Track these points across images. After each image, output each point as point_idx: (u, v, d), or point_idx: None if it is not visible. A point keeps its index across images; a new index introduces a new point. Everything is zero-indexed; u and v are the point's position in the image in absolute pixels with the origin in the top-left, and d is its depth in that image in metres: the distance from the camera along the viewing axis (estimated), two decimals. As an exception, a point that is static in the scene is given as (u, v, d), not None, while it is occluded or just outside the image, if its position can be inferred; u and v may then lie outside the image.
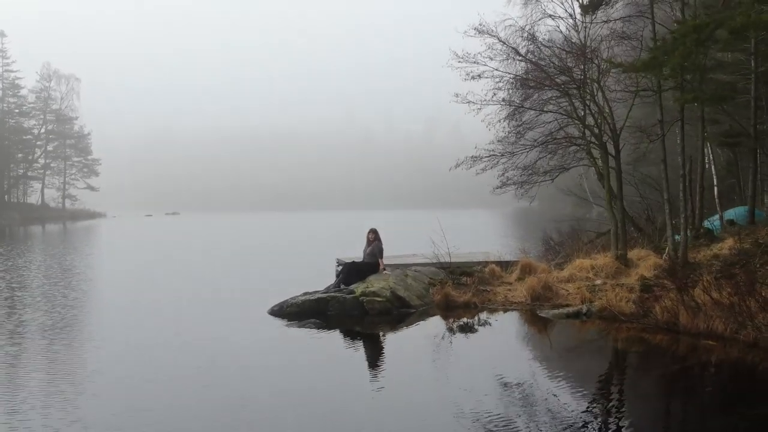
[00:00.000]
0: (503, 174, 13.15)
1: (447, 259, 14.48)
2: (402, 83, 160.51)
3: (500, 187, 13.69)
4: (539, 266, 14.12)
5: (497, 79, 12.97)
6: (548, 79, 12.70)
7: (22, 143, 65.43)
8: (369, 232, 12.53)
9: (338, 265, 16.61)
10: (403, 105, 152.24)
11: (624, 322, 10.37)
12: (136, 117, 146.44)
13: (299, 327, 10.39)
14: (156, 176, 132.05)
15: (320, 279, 16.30)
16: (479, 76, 12.81)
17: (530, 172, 13.26)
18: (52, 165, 68.61)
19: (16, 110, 65.48)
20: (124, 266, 20.14)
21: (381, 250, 12.44)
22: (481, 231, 36.63)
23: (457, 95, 12.46)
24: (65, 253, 24.42)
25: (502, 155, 13.05)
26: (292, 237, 35.89)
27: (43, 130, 67.75)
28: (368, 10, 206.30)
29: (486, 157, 13.11)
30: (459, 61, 12.87)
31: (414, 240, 26.86)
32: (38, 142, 67.34)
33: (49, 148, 68.44)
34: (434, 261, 15.14)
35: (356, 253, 18.05)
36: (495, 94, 12.63)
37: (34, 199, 66.73)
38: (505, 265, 14.99)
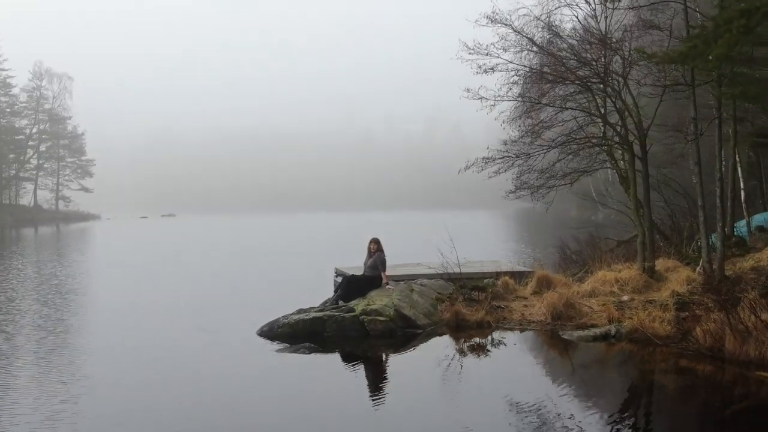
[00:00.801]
0: (518, 177, 11.91)
1: (454, 270, 13.26)
2: (402, 83, 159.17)
3: (514, 192, 12.45)
4: (556, 278, 12.89)
5: (512, 73, 11.74)
6: (568, 72, 11.45)
7: (14, 143, 64.03)
8: (371, 242, 11.29)
9: (337, 276, 15.38)
10: (403, 105, 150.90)
11: (659, 346, 9.16)
12: (135, 117, 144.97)
13: (291, 352, 9.15)
14: (154, 177, 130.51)
15: (317, 288, 15.09)
16: (492, 69, 11.59)
17: (548, 175, 12.01)
18: (45, 166, 67.24)
19: (8, 109, 64.06)
20: (106, 276, 18.88)
21: (384, 262, 11.21)
22: (485, 235, 35.33)
23: (468, 90, 11.23)
24: (48, 260, 23.20)
25: (517, 157, 11.80)
26: (289, 241, 34.61)
27: (35, 130, 66.38)
28: (368, 10, 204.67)
29: (499, 158, 11.87)
30: (470, 53, 11.65)
31: (417, 246, 25.57)
32: (30, 143, 65.95)
33: (42, 148, 67.05)
34: (441, 272, 13.91)
35: (356, 261, 16.82)
36: (510, 89, 11.42)
37: (26, 200, 65.42)
38: (518, 276, 13.78)
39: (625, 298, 11.09)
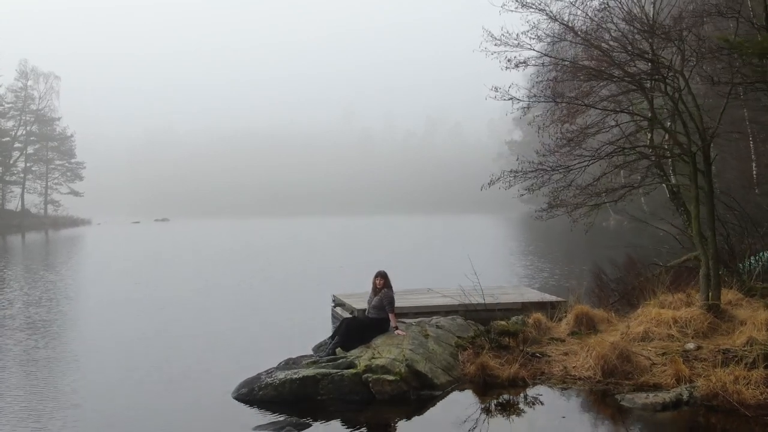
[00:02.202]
0: (556, 195, 9.81)
1: (472, 299, 11.23)
2: (402, 83, 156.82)
3: (548, 211, 10.35)
4: (597, 315, 10.80)
5: (549, 67, 9.64)
6: (615, 68, 9.35)
7: (0, 146, 61.53)
8: (376, 277, 9.17)
9: (335, 306, 13.27)
10: (402, 105, 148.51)
11: (748, 418, 7.08)
12: (127, 118, 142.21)
13: (274, 431, 7.02)
14: (147, 180, 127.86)
15: (312, 319, 13.00)
16: (524, 63, 9.48)
17: (590, 192, 9.92)
18: (33, 169, 64.85)
19: (-8, 110, 61.62)
20: (73, 302, 16.67)
21: (392, 302, 9.09)
22: (495, 246, 33.02)
23: (496, 89, 9.14)
24: (14, 278, 21.07)
25: (554, 170, 9.69)
26: (283, 252, 32.38)
27: (22, 132, 63.87)
28: (368, 9, 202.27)
29: (531, 171, 9.76)
30: (496, 44, 9.53)
31: (425, 261, 23.30)
32: (17, 144, 63.46)
33: (30, 150, 64.67)
34: (457, 303, 11.87)
35: (358, 285, 14.73)
36: (550, 86, 9.31)
37: (13, 205, 62.95)
38: (548, 307, 11.75)
39: (691, 346, 8.98)
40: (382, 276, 9.08)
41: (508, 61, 9.28)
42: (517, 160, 9.85)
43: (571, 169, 9.61)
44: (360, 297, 12.92)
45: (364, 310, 11.11)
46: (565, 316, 11.15)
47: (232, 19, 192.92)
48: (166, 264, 25.85)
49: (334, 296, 13.52)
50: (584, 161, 9.75)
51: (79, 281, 20.22)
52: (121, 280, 20.19)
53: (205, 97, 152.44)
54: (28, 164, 64.32)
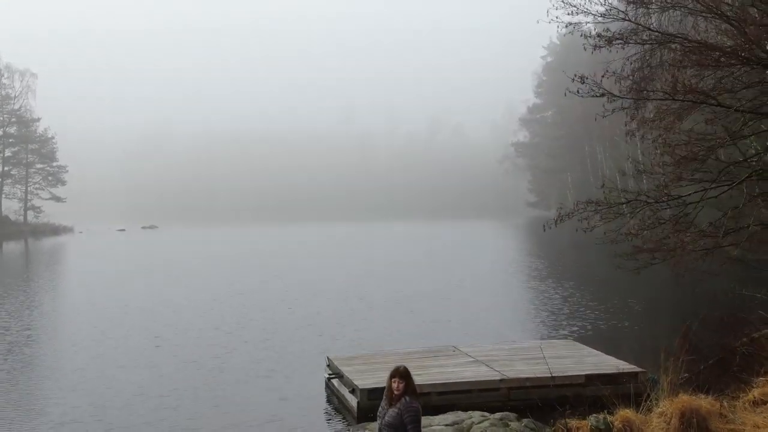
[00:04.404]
0: (666, 236, 6.58)
1: (510, 366, 8.00)
2: (402, 83, 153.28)
3: (637, 256, 7.15)
4: (707, 408, 7.56)
5: (653, 47, 6.38)
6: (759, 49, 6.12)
7: (-25, 148, 57.78)
8: (392, 378, 5.79)
9: (330, 376, 9.89)
10: (404, 105, 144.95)
11: None
12: (115, 119, 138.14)
13: None
14: (137, 184, 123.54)
15: (298, 398, 9.54)
16: (621, 39, 6.23)
17: (708, 233, 6.70)
18: (11, 173, 61.13)
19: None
20: (24, 344, 13.30)
21: (417, 419, 5.71)
22: (518, 266, 28.70)
23: (582, 80, 5.86)
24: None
25: (658, 202, 6.45)
26: (273, 274, 28.44)
27: (0, 133, 60.16)
28: (368, 9, 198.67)
29: (624, 203, 6.53)
30: (570, 12, 6.30)
31: (440, 291, 19.13)
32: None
33: (8, 153, 60.95)
34: (497, 376, 8.70)
35: (359, 336, 11.54)
36: (677, 79, 6.01)
37: (-9, 211, 59.40)
38: (624, 381, 8.61)
39: None
40: (402, 377, 5.72)
41: (598, 36, 6.00)
42: (602, 186, 6.56)
43: (689, 203, 6.34)
44: (363, 363, 9.66)
45: (373, 391, 7.99)
46: (656, 403, 7.94)
47: (230, 17, 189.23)
48: (142, 288, 22.44)
49: (329, 360, 10.17)
50: (705, 188, 6.48)
51: (25, 323, 16.68)
52: (79, 323, 16.77)
53: (200, 98, 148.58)
54: (6, 168, 60.61)
